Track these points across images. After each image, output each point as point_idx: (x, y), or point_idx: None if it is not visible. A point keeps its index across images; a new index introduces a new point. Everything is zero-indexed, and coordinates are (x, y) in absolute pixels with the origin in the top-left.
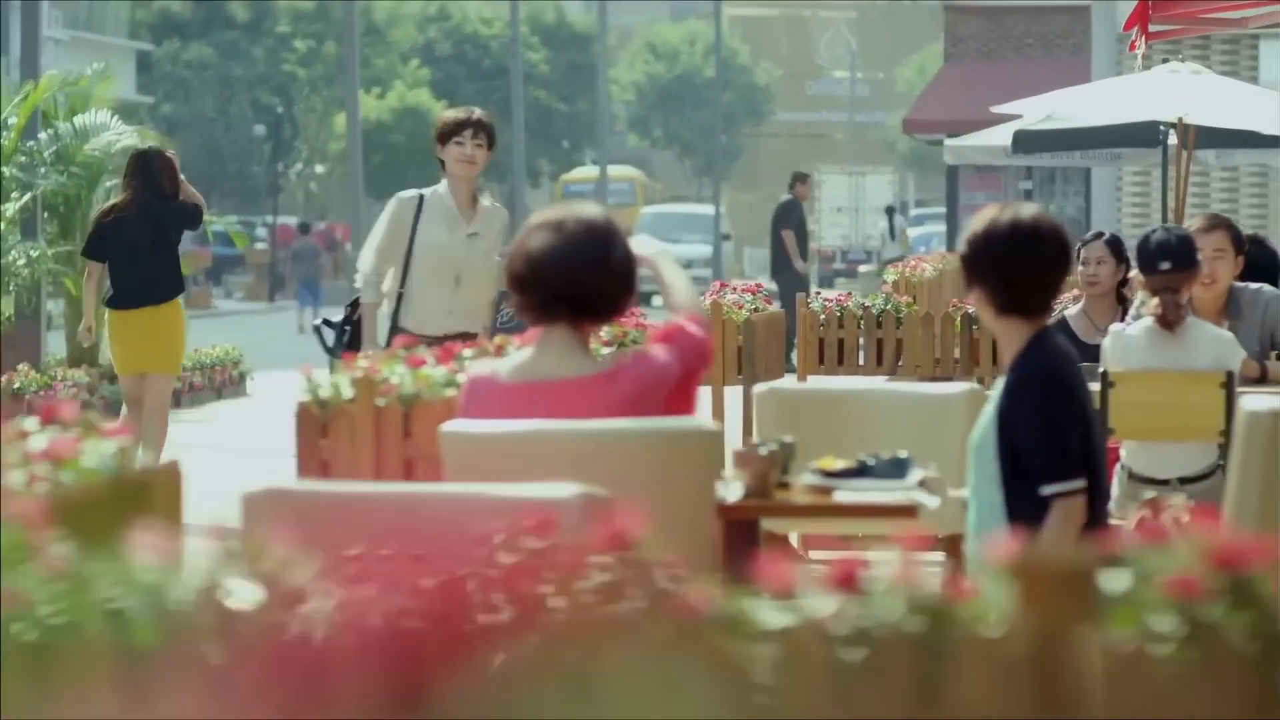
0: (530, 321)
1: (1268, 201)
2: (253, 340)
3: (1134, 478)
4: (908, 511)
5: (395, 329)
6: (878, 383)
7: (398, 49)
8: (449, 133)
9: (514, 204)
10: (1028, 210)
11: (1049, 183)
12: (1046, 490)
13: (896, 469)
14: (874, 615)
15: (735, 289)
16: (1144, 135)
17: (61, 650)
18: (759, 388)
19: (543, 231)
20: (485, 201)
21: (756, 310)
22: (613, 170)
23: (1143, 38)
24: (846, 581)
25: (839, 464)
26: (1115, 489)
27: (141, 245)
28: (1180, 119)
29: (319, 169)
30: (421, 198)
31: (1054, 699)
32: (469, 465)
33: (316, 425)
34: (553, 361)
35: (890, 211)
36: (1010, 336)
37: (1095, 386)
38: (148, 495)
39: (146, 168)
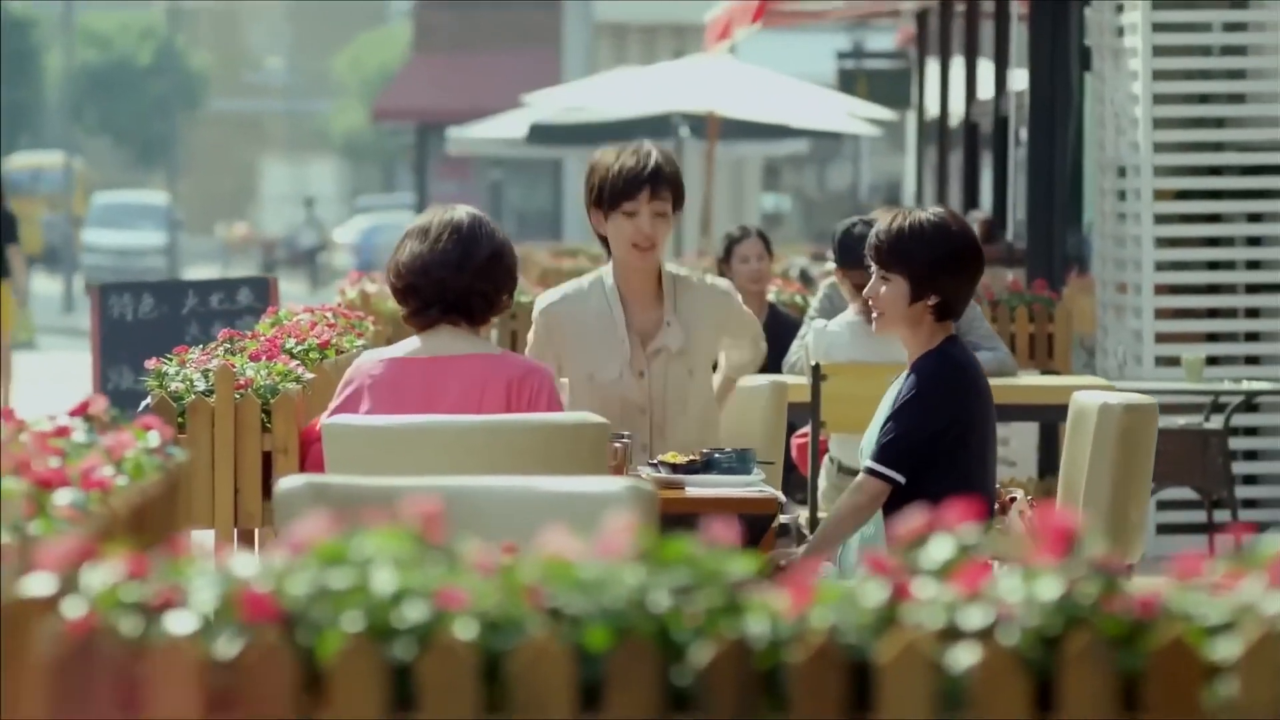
0: (414, 327)
1: (743, 192)
2: None
3: (842, 470)
4: (767, 504)
5: None
6: None
7: None
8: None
9: None
10: (943, 211)
11: (518, 172)
12: (866, 462)
13: (741, 463)
14: None
15: (376, 279)
16: (658, 127)
17: (506, 652)
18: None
19: (411, 240)
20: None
21: None
22: (50, 158)
23: (745, 28)
24: None
25: (684, 458)
26: (823, 481)
27: None
28: (711, 111)
29: None
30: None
31: None
32: (353, 458)
33: (172, 418)
34: (442, 343)
35: (309, 202)
36: (921, 333)
37: (792, 379)
38: (185, 488)
39: None
